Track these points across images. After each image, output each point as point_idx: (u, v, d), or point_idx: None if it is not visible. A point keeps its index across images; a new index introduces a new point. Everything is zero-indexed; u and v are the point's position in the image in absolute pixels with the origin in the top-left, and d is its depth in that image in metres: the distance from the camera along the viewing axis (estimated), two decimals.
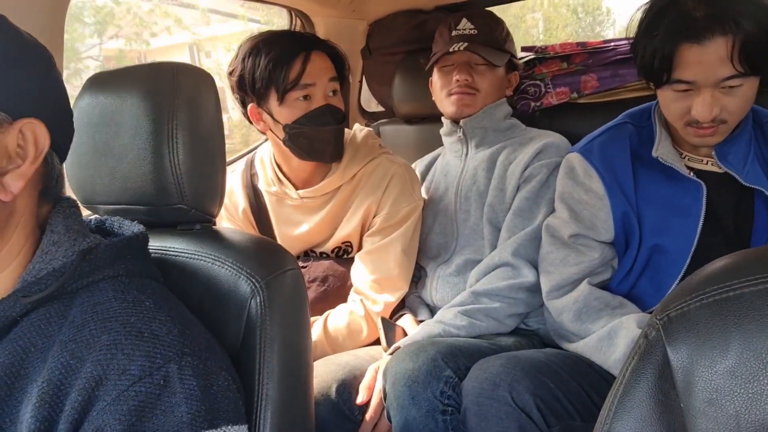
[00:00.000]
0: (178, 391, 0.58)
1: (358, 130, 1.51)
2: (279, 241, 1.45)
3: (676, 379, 0.49)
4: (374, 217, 1.41)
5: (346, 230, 1.43)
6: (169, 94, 0.80)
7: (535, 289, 1.30)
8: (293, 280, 0.82)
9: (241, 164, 1.56)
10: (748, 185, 1.14)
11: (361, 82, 2.12)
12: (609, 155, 1.23)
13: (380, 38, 2.01)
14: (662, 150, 1.18)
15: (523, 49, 1.70)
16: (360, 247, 1.43)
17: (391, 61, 1.98)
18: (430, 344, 1.15)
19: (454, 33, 1.48)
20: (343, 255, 1.48)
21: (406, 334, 1.31)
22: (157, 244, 0.83)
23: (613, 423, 0.54)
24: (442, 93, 1.51)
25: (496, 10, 1.68)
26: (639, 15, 1.12)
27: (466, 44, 1.42)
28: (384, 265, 1.37)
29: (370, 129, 1.52)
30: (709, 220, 1.16)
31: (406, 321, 1.38)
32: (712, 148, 1.17)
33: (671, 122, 1.14)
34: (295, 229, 1.46)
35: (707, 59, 1.00)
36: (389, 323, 1.31)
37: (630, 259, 1.23)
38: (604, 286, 1.26)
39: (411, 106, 1.88)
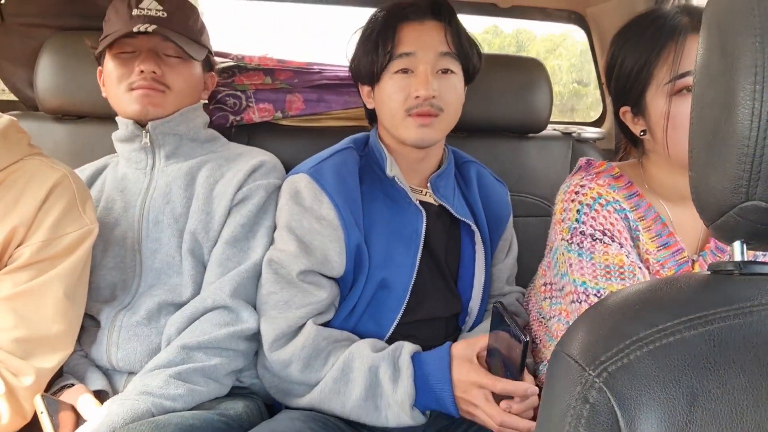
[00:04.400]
0: None
1: None
2: None
3: None
4: (19, 245, 0.95)
5: None
6: None
7: (254, 337, 1.07)
8: None
9: None
10: (458, 217, 1.18)
11: None
12: (342, 180, 1.11)
13: (19, 2, 1.47)
14: (396, 171, 1.14)
15: (217, 54, 1.47)
16: None
17: (34, 36, 1.47)
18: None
19: (135, 12, 1.15)
20: None
21: (78, 416, 0.89)
22: None
23: None
24: (121, 87, 1.15)
25: None
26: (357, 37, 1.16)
27: (155, 26, 1.12)
28: (36, 317, 0.92)
29: (13, 118, 1.04)
30: (426, 251, 1.16)
31: (81, 397, 0.94)
32: (428, 180, 1.18)
33: (392, 116, 1.10)
34: None
35: (425, 35, 1.08)
36: (54, 401, 0.87)
37: (355, 296, 1.12)
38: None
39: (62, 99, 1.42)
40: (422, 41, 1.08)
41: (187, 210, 1.14)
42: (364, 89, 1.18)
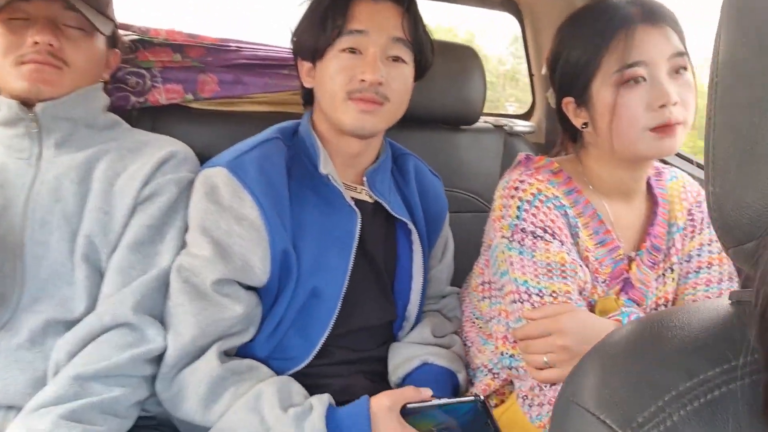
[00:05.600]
0: None
1: None
2: None
3: None
4: None
5: None
6: None
7: (162, 358, 0.92)
8: None
9: None
10: (395, 215, 1.10)
11: None
12: (266, 175, 0.98)
13: None
14: (330, 168, 1.02)
15: (119, 26, 1.28)
16: None
17: None
18: None
19: None
20: None
21: None
22: None
23: None
24: (7, 59, 0.97)
25: None
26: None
27: None
28: None
29: None
30: (360, 253, 1.06)
31: None
32: (364, 175, 1.08)
33: (332, 98, 1.00)
34: None
35: (380, 15, 0.99)
36: None
37: (281, 308, 1.00)
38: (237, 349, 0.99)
39: None
40: (376, 21, 0.98)
41: (82, 209, 0.96)
42: (305, 66, 1.06)
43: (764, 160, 0.36)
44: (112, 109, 1.14)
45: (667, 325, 0.40)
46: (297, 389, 0.94)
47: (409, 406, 0.92)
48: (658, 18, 0.94)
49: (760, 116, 0.36)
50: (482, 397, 0.94)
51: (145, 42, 1.27)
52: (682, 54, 0.94)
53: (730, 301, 0.42)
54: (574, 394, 0.38)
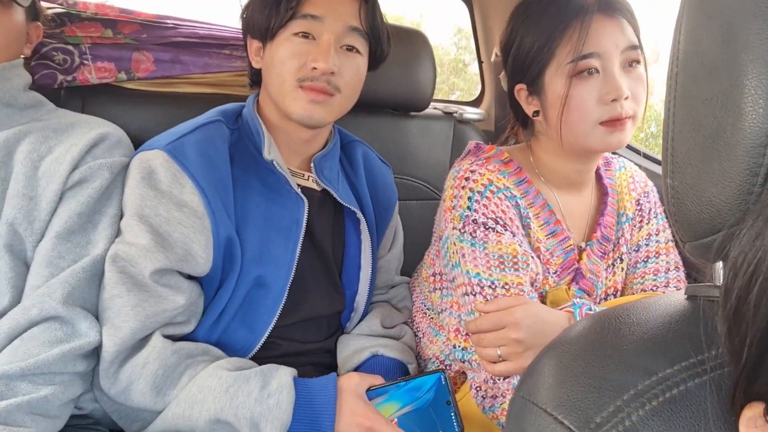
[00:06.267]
0: None
1: None
2: None
3: None
4: None
5: None
6: None
7: (95, 353, 0.86)
8: None
9: None
10: (343, 204, 1.07)
11: None
12: (208, 159, 0.93)
13: None
14: (275, 153, 0.98)
15: None
16: None
17: None
18: None
19: None
20: None
21: None
22: None
23: None
24: None
25: None
26: None
27: None
28: None
29: None
30: (308, 242, 1.03)
31: None
32: (312, 161, 1.04)
33: (281, 84, 0.96)
34: None
35: (337, 1, 0.96)
36: None
37: (224, 298, 0.95)
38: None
39: None
40: (332, 8, 0.95)
41: (3, 194, 0.88)
42: (253, 45, 1.01)
43: (726, 154, 0.35)
44: (36, 87, 1.05)
45: (624, 321, 0.39)
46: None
47: (373, 388, 0.92)
48: (614, 9, 0.93)
49: (721, 110, 0.36)
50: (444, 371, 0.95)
51: (72, 16, 1.17)
52: (636, 47, 0.93)
53: (685, 296, 0.42)
54: (530, 393, 0.37)
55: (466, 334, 1.01)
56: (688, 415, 0.32)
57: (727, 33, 0.35)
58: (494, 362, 0.91)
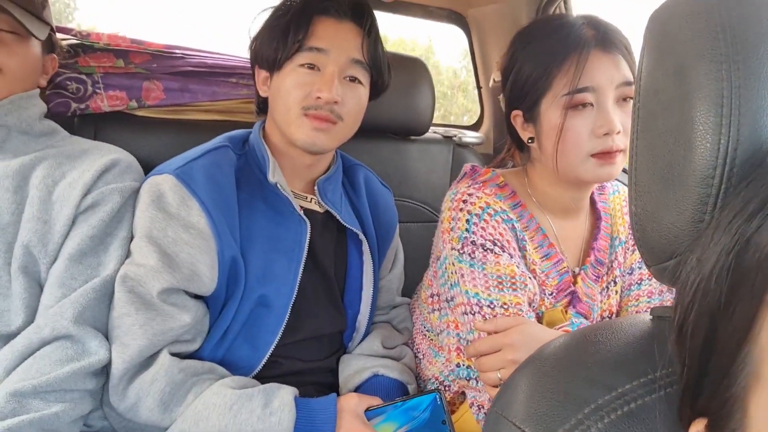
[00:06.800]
0: None
1: None
2: None
3: None
4: None
5: None
6: None
7: (105, 371, 0.90)
8: None
9: None
10: (346, 226, 1.10)
11: None
12: (215, 183, 0.97)
13: None
14: (279, 177, 1.02)
15: (58, 29, 1.24)
16: None
17: None
18: None
19: None
20: None
21: None
22: None
23: None
24: None
25: None
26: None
27: None
28: None
29: None
30: (310, 263, 1.06)
31: None
32: (315, 184, 1.08)
33: (287, 111, 1.00)
34: None
35: (341, 35, 1.01)
36: None
37: (228, 316, 0.99)
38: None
39: None
40: (337, 41, 0.99)
41: (18, 218, 0.92)
42: (261, 74, 1.06)
43: (679, 183, 0.38)
44: (51, 115, 1.10)
45: (592, 340, 0.42)
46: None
47: (371, 408, 0.95)
48: (611, 45, 0.94)
49: (674, 142, 0.39)
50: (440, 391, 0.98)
51: (85, 47, 1.23)
52: (630, 83, 0.95)
53: (651, 317, 0.45)
54: (503, 408, 0.40)
55: None
56: (644, 427, 0.35)
57: (680, 73, 0.39)
58: (496, 386, 0.92)
